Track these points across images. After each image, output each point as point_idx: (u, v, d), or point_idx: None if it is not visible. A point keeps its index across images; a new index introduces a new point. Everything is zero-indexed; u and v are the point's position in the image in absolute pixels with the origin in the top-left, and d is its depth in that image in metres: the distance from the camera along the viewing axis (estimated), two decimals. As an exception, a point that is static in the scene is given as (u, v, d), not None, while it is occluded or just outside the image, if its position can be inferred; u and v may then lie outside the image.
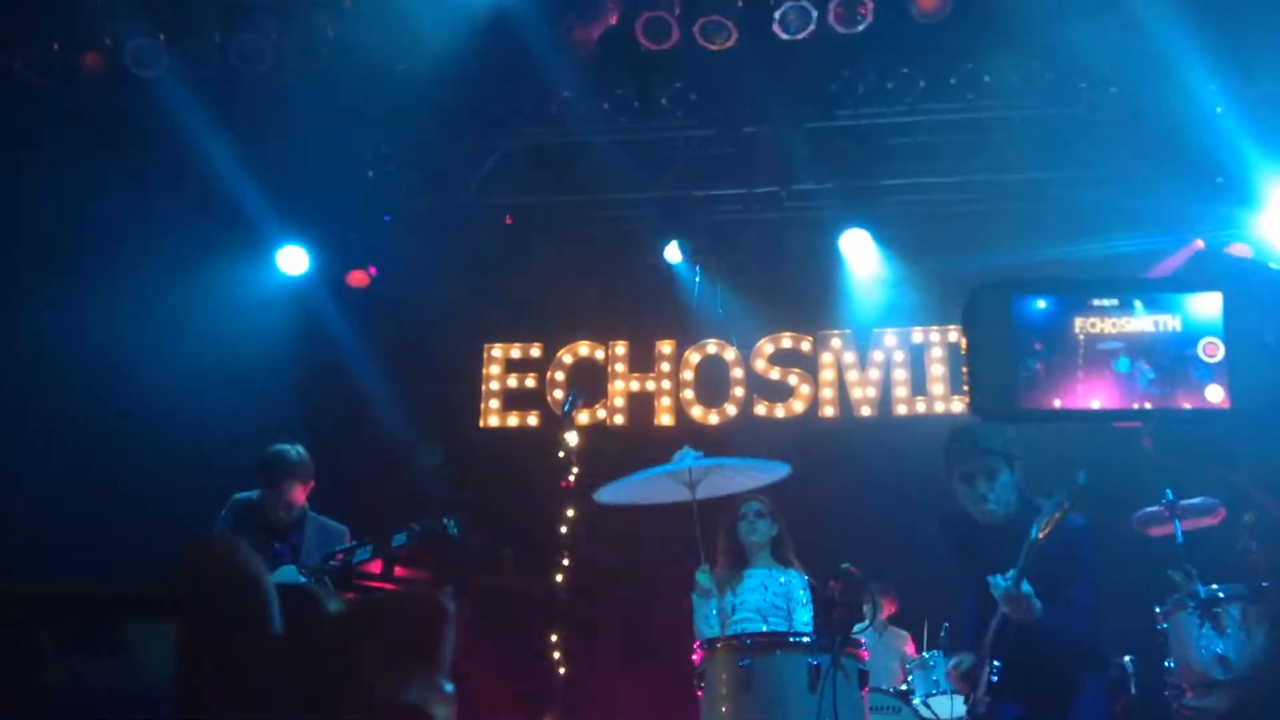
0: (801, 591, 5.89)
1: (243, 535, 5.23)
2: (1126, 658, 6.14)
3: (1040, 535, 3.94)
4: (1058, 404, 1.07)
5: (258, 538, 5.28)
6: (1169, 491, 5.86)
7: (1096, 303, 1.07)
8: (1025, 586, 3.97)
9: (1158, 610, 5.69)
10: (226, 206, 8.75)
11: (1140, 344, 1.06)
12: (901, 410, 8.75)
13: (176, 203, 8.75)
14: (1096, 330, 1.07)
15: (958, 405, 8.70)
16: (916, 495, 7.88)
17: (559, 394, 8.78)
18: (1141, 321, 1.07)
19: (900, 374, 8.78)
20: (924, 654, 7.01)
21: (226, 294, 8.73)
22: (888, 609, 7.68)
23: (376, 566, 3.85)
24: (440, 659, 1.57)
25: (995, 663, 3.97)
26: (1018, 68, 7.78)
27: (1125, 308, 1.07)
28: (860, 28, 7.22)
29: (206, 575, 1.40)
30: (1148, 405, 1.06)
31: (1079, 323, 1.07)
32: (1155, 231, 7.88)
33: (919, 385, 8.75)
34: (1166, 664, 5.58)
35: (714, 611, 5.66)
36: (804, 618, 5.78)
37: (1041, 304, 1.07)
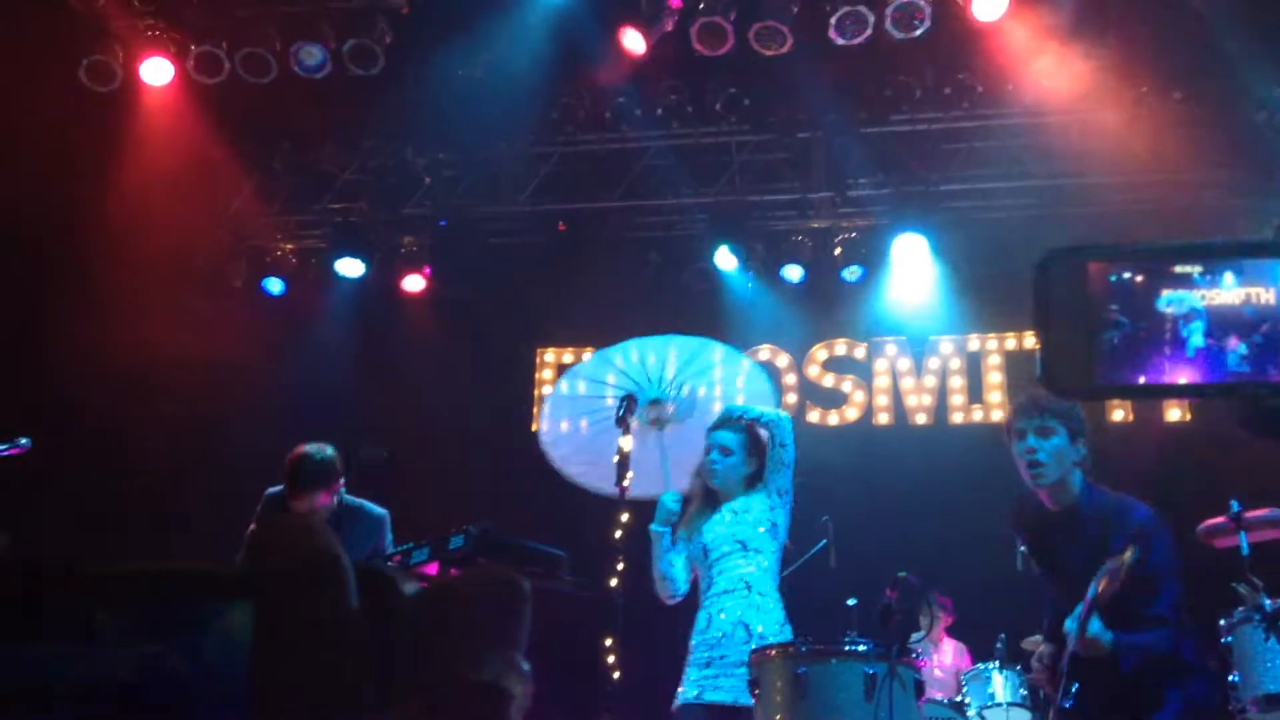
0: (764, 514, 4.77)
1: None
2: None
3: (1100, 590, 3.69)
4: (1140, 380, 0.99)
5: None
6: (1234, 503, 5.75)
7: (1181, 270, 1.00)
8: (1094, 625, 3.73)
9: (1222, 624, 5.58)
10: (286, 212, 8.89)
11: (1231, 318, 0.99)
12: (958, 419, 8.66)
13: (237, 209, 8.90)
14: (1182, 302, 1.01)
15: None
16: (973, 504, 7.81)
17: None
18: (1232, 294, 1.00)
19: (957, 381, 8.70)
20: (979, 665, 6.93)
21: (285, 299, 8.85)
22: (945, 620, 7.60)
23: (433, 569, 3.88)
24: (517, 637, 1.57)
25: (1072, 687, 3.78)
26: (1076, 72, 7.70)
27: (1214, 279, 1.00)
28: (917, 32, 7.17)
29: (286, 552, 1.40)
30: (1236, 380, 0.99)
31: (1163, 293, 1.00)
32: (1218, 234, 7.74)
33: (975, 393, 8.66)
34: (1230, 679, 5.47)
35: (683, 557, 4.79)
36: (760, 548, 4.71)
37: (1123, 274, 1.01)
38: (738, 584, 4.58)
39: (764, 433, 4.85)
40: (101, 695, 1.42)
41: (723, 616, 4.56)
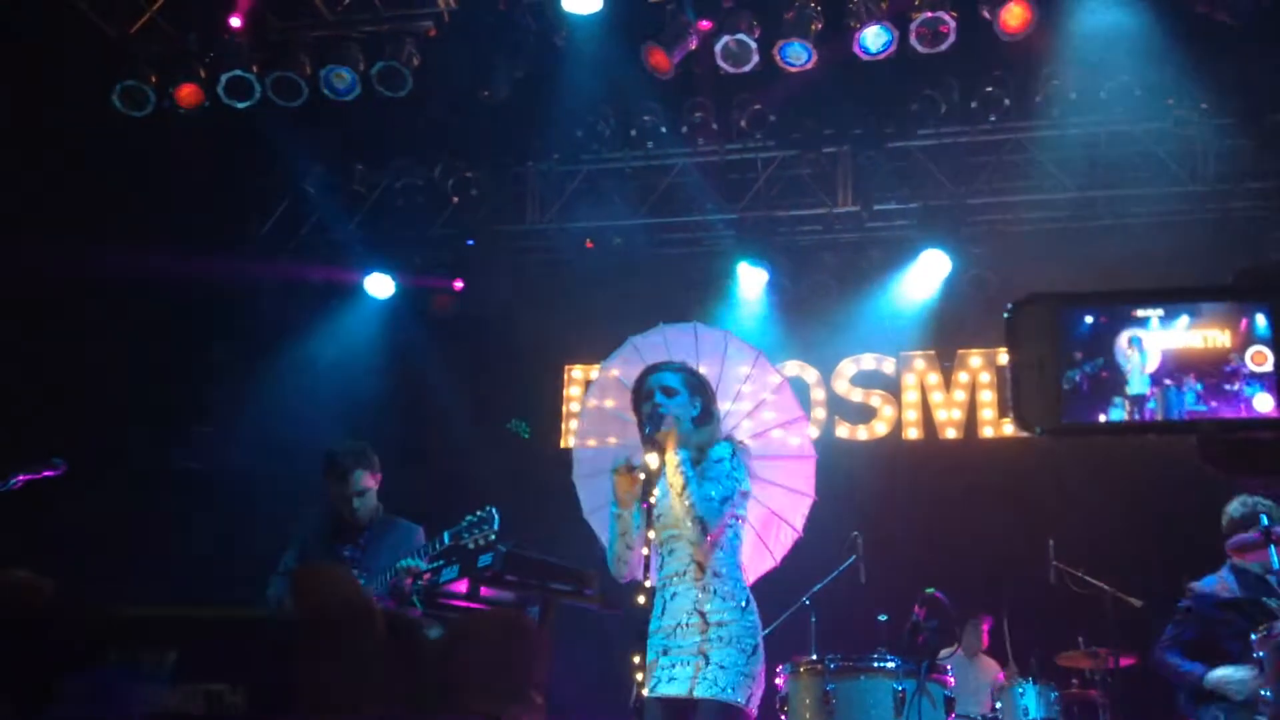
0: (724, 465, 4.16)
1: (314, 546, 5.37)
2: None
3: None
4: (1101, 419, 1.05)
5: (329, 544, 5.38)
6: (1264, 517, 5.69)
7: (1141, 313, 1.06)
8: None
9: (1253, 639, 5.52)
10: (316, 233, 8.98)
11: (1187, 359, 1.05)
12: (988, 432, 8.62)
13: (268, 231, 9.00)
14: (1141, 344, 1.06)
15: (1046, 426, 8.55)
16: (1004, 519, 7.78)
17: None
18: (1188, 335, 1.06)
19: (987, 395, 8.66)
20: (1014, 682, 6.87)
21: (316, 319, 8.93)
22: (984, 639, 7.55)
23: (463, 586, 3.89)
24: (527, 673, 1.67)
25: None
26: (1104, 84, 7.68)
27: (1170, 321, 1.06)
28: (943, 46, 7.17)
29: (323, 602, 1.51)
30: (1193, 419, 1.05)
31: (1124, 336, 1.06)
32: (1244, 248, 7.70)
33: (1006, 406, 8.62)
34: (1263, 694, 5.40)
35: (637, 522, 4.18)
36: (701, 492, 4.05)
37: (1088, 319, 1.06)
38: (689, 564, 4.11)
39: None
40: None
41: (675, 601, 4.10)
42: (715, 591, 4.02)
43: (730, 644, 3.94)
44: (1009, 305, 1.11)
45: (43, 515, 6.67)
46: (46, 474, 5.34)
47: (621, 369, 4.86)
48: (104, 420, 8.05)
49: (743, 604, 4.05)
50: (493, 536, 4.85)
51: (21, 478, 5.26)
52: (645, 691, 3.99)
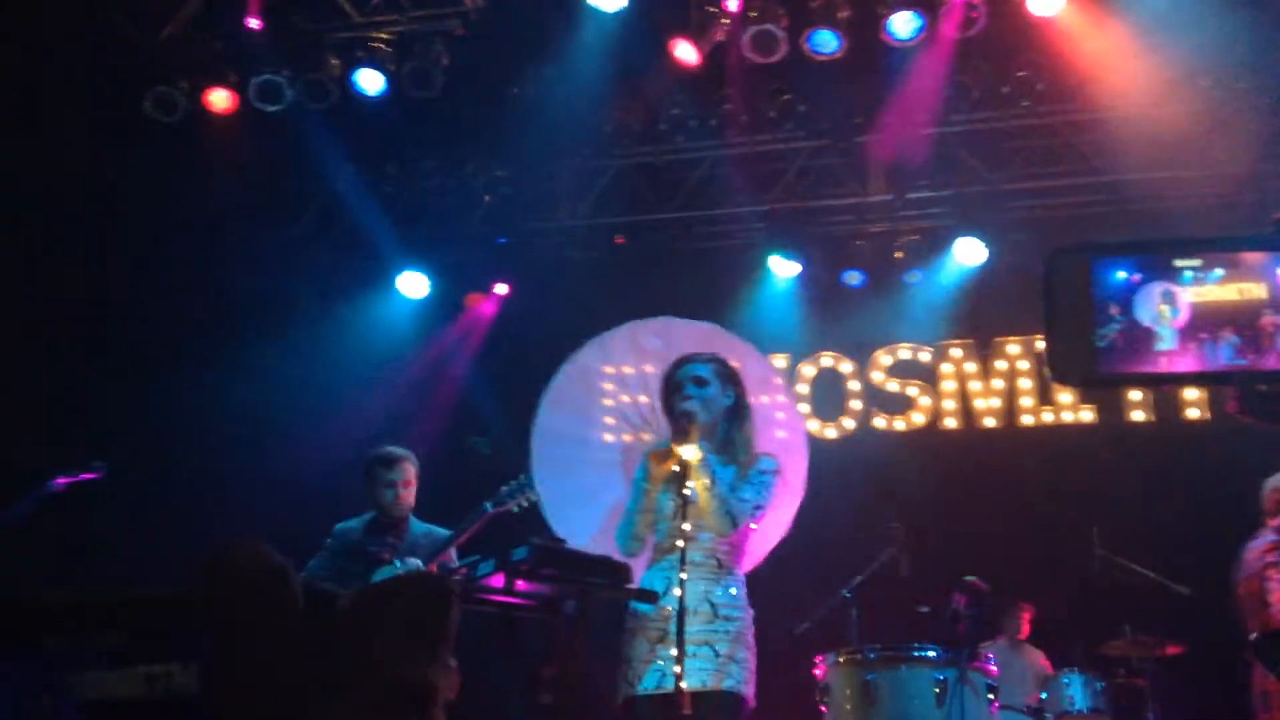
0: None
1: (346, 552, 5.51)
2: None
3: None
4: (1138, 370, 1.03)
5: (363, 546, 5.46)
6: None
7: (1179, 264, 1.03)
8: None
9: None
10: (349, 234, 9.02)
11: (1222, 312, 1.02)
12: (1028, 420, 8.52)
13: (301, 233, 9.05)
14: (1177, 297, 1.03)
15: (1087, 414, 8.45)
16: (1045, 507, 7.70)
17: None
18: (1225, 289, 1.02)
19: (1025, 383, 8.56)
20: (1058, 671, 6.79)
21: (350, 320, 8.97)
22: (1025, 628, 7.47)
23: (499, 580, 3.87)
24: (445, 636, 1.73)
25: None
26: (1138, 65, 7.55)
27: (1207, 274, 1.03)
28: (973, 31, 7.09)
29: (237, 573, 1.54)
30: (1230, 370, 1.02)
31: (1159, 289, 1.03)
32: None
33: (1045, 394, 8.51)
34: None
35: (663, 509, 4.22)
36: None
37: (1122, 273, 1.03)
38: (708, 557, 4.15)
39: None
40: (114, 712, 1.51)
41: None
42: (725, 585, 4.10)
43: (737, 638, 4.03)
44: (1046, 256, 1.08)
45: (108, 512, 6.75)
46: (86, 477, 5.40)
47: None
48: (139, 426, 8.14)
49: (744, 601, 4.16)
50: (535, 498, 4.98)
51: (62, 480, 5.31)
52: (636, 690, 4.01)
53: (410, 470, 5.64)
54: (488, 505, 5.39)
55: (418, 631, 1.71)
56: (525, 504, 5.31)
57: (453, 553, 5.51)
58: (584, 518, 4.61)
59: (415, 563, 5.45)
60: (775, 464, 4.29)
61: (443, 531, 5.62)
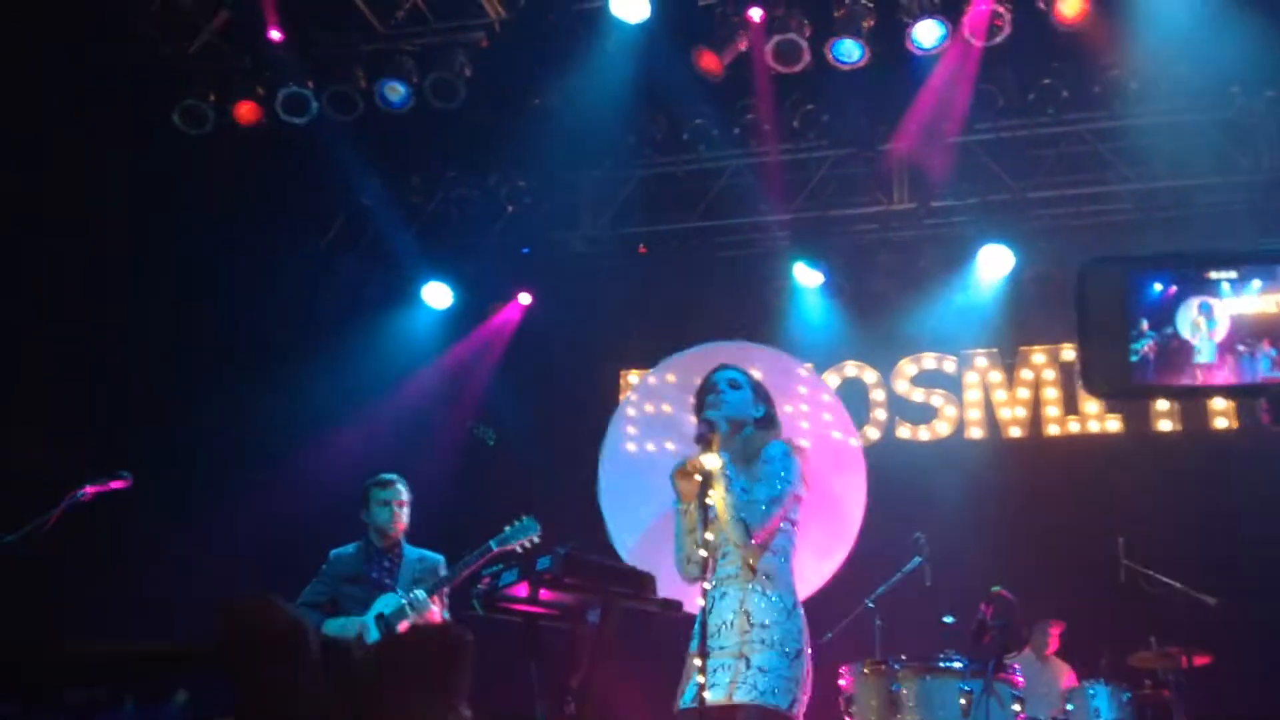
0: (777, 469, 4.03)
1: (342, 579, 5.66)
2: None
3: None
4: (1173, 382, 1.03)
5: (359, 571, 5.66)
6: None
7: (1214, 276, 1.03)
8: None
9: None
10: (373, 245, 9.08)
11: (1259, 324, 1.01)
12: (1053, 430, 8.47)
13: (327, 245, 9.12)
14: (1215, 310, 1.03)
15: (1113, 424, 8.40)
16: (1071, 518, 7.64)
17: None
18: (1260, 301, 1.02)
19: (1051, 393, 8.51)
20: (1084, 684, 6.74)
21: (375, 330, 9.03)
22: (1054, 640, 7.41)
23: (523, 590, 3.89)
24: (459, 685, 1.77)
25: None
26: (1165, 73, 7.52)
27: (1243, 286, 1.02)
28: (998, 39, 7.07)
29: (258, 629, 1.58)
30: (1265, 383, 1.02)
31: (1194, 301, 1.02)
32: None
33: (1071, 403, 8.46)
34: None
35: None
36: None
37: (1157, 286, 1.03)
38: (740, 566, 3.98)
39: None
40: None
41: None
42: (763, 592, 3.90)
43: (772, 647, 3.81)
44: (1080, 268, 1.08)
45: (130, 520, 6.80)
46: (114, 486, 5.44)
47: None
48: (167, 436, 8.20)
49: (789, 608, 3.92)
50: (537, 539, 5.08)
51: (90, 489, 5.36)
52: (678, 704, 3.86)
53: (404, 492, 5.80)
54: (493, 543, 5.55)
55: (432, 683, 1.75)
56: (529, 545, 5.44)
57: (443, 572, 5.65)
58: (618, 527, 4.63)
59: (420, 594, 5.51)
60: (783, 446, 4.08)
61: (435, 556, 5.79)
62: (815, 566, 5.33)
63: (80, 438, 7.77)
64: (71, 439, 7.68)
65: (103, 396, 8.21)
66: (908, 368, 8.76)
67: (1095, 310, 1.05)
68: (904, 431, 8.68)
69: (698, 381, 4.29)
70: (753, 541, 3.91)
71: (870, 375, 8.80)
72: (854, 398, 8.76)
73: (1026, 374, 8.57)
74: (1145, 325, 1.04)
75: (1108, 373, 1.04)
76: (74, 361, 8.15)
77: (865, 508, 7.83)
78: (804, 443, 4.25)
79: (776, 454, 4.04)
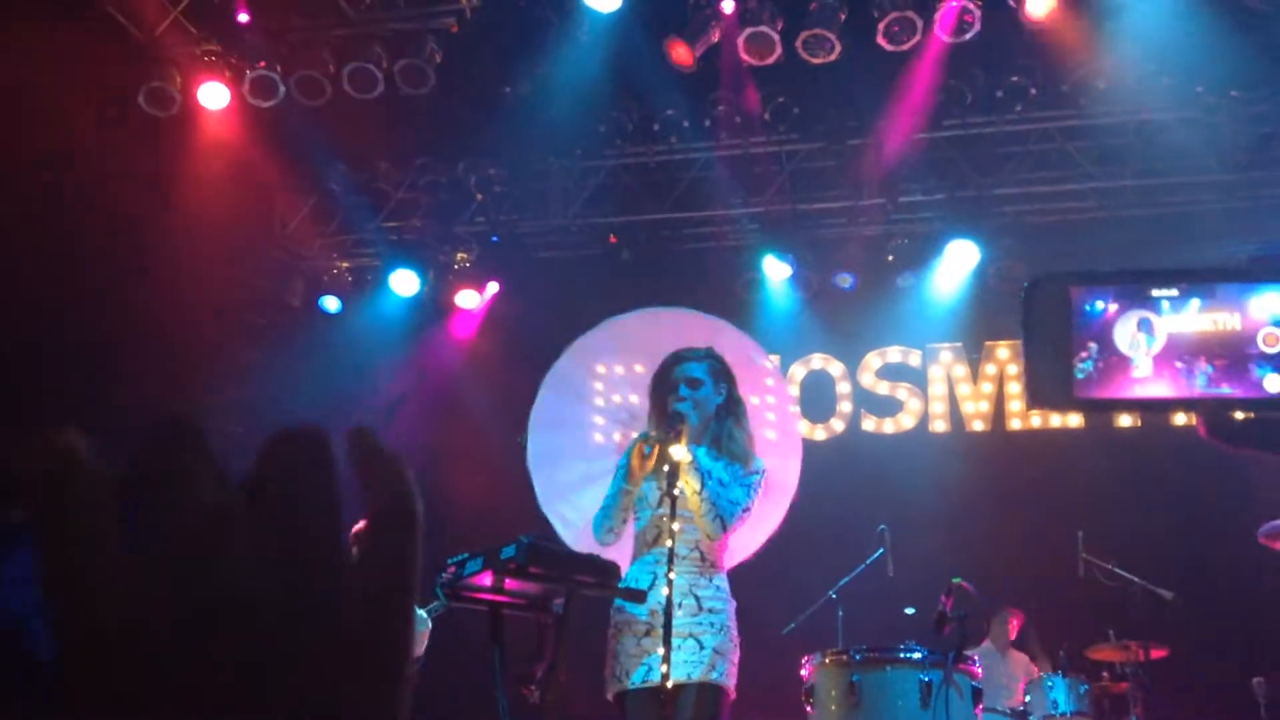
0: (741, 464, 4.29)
1: None
2: (1256, 679, 5.92)
3: None
4: (1113, 396, 1.07)
5: None
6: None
7: (1156, 294, 1.07)
8: None
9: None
10: (341, 231, 9.03)
11: (1196, 342, 1.05)
12: (1016, 425, 8.56)
13: (294, 230, 9.06)
14: (1155, 326, 1.08)
15: (1075, 419, 8.49)
16: (1032, 511, 7.73)
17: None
18: (1199, 319, 1.06)
19: (1014, 387, 8.60)
20: (1043, 675, 6.82)
21: (341, 317, 8.98)
22: (1014, 630, 7.50)
23: (487, 578, 3.89)
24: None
25: None
26: (1132, 72, 7.60)
27: (1183, 304, 1.07)
28: (968, 36, 7.12)
29: (383, 487, 1.55)
30: (1202, 399, 1.07)
31: (1136, 317, 1.06)
32: (1276, 237, 7.60)
33: (1033, 399, 8.54)
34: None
35: (647, 499, 4.27)
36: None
37: (1100, 302, 1.07)
38: (692, 551, 4.21)
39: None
40: None
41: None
42: (709, 579, 4.19)
43: (721, 631, 4.11)
44: (1023, 285, 1.12)
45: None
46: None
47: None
48: (130, 426, 8.11)
49: (729, 594, 4.25)
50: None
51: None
52: (626, 684, 4.07)
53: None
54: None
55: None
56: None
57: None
58: (570, 509, 4.69)
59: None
60: (763, 465, 4.37)
61: None
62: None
63: (42, 427, 7.67)
64: (35, 429, 7.58)
65: (63, 384, 8.11)
66: (873, 361, 8.82)
67: (1039, 326, 1.09)
68: (869, 424, 8.75)
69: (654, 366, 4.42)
70: (723, 536, 4.17)
71: (836, 368, 8.85)
72: (820, 390, 8.81)
73: (990, 368, 8.65)
74: (1090, 339, 1.07)
75: (1051, 387, 1.08)
76: (33, 348, 8.05)
77: (820, 498, 7.88)
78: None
79: (758, 470, 4.32)
